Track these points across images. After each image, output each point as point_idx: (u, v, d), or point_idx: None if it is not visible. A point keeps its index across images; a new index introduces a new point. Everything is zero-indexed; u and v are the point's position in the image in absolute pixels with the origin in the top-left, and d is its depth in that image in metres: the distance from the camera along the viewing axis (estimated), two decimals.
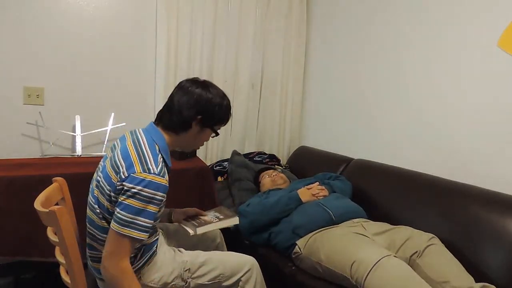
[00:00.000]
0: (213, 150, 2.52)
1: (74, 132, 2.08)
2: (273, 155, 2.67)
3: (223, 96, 1.20)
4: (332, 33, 2.50)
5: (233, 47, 2.48)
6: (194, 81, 1.18)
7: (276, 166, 2.52)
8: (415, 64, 1.87)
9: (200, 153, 2.38)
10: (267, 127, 2.74)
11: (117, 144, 1.14)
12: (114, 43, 2.19)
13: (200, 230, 1.31)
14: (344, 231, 1.46)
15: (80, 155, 2.03)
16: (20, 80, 1.97)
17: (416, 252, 1.31)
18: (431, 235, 1.40)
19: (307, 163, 2.46)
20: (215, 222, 1.35)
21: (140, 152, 1.04)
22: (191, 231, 1.31)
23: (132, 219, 0.98)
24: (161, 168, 1.03)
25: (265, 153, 2.65)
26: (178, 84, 1.20)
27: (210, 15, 2.35)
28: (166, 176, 1.06)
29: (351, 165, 2.12)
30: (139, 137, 1.11)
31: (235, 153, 2.39)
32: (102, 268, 1.02)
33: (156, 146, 1.09)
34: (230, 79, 2.51)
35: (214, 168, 2.41)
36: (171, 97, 1.18)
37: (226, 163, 2.42)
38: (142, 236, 1.00)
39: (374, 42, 2.13)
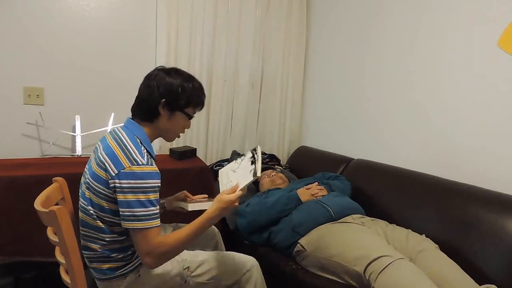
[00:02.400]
0: (213, 150, 2.52)
1: (74, 132, 2.08)
2: (273, 155, 2.67)
3: (189, 78, 1.18)
4: (332, 33, 2.50)
5: (233, 47, 2.48)
6: (160, 68, 1.20)
7: (276, 166, 2.52)
8: (415, 64, 1.86)
9: (200, 153, 2.39)
10: (267, 127, 2.74)
11: (99, 146, 1.15)
12: (114, 43, 2.19)
13: (192, 207, 1.31)
14: (354, 228, 1.46)
15: (80, 155, 2.03)
16: (20, 80, 1.97)
17: (408, 258, 1.31)
18: (423, 238, 1.40)
19: (307, 163, 2.46)
20: (207, 202, 1.33)
21: (123, 147, 1.06)
22: (186, 207, 1.31)
23: (141, 211, 1.01)
24: (147, 159, 1.06)
25: (265, 153, 2.65)
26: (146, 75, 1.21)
27: (210, 15, 2.35)
28: (154, 164, 1.09)
29: (351, 165, 2.12)
30: (119, 134, 1.12)
31: (235, 153, 2.39)
32: (148, 265, 1.05)
33: (137, 139, 1.11)
34: (230, 79, 2.51)
35: (214, 168, 2.41)
36: (139, 89, 1.19)
37: (226, 163, 2.41)
38: (157, 222, 1.04)
39: (374, 42, 2.13)
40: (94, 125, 2.13)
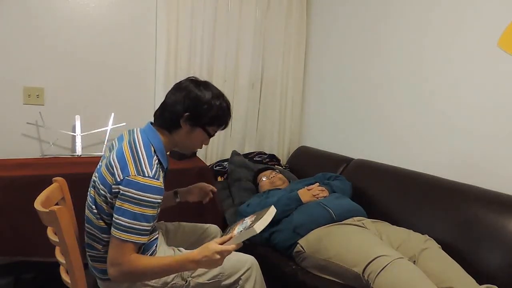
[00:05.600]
0: (213, 150, 2.52)
1: (74, 132, 2.08)
2: (273, 155, 2.67)
3: (218, 96, 1.14)
4: (332, 33, 2.50)
5: (233, 47, 2.48)
6: (192, 80, 1.16)
7: (276, 166, 2.52)
8: (414, 65, 1.86)
9: (200, 153, 2.38)
10: (267, 127, 2.74)
11: (115, 144, 1.14)
12: (114, 43, 2.19)
13: (259, 227, 1.03)
14: (352, 229, 1.46)
15: (80, 155, 2.03)
16: (20, 80, 1.97)
17: (411, 257, 1.31)
18: (426, 237, 1.40)
19: (307, 163, 2.46)
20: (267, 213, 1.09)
21: (135, 154, 1.03)
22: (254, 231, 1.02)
23: (131, 224, 0.99)
24: (156, 171, 1.03)
25: (265, 153, 2.65)
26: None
27: (210, 15, 2.35)
28: (161, 179, 1.05)
29: (351, 165, 2.12)
30: (136, 138, 1.10)
31: (235, 153, 2.39)
32: (110, 276, 1.01)
33: (152, 147, 1.08)
34: (230, 79, 2.51)
35: (214, 168, 2.41)
36: (166, 95, 1.17)
37: (226, 163, 2.42)
38: (143, 240, 1.02)
39: (374, 42, 2.13)
40: (94, 125, 2.13)
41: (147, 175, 0.99)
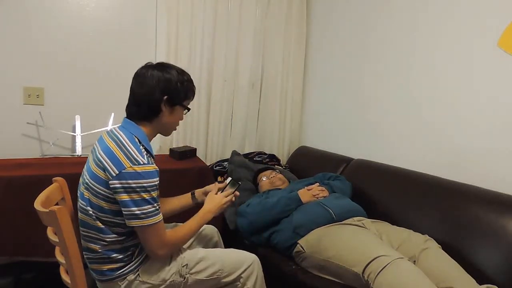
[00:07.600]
0: (213, 150, 2.53)
1: (74, 132, 2.08)
2: (273, 155, 2.67)
3: (182, 72, 1.21)
4: (332, 33, 2.50)
5: (233, 47, 2.48)
6: (149, 66, 1.20)
7: (276, 166, 2.52)
8: (416, 64, 1.86)
9: (200, 153, 2.39)
10: (267, 127, 2.74)
11: (97, 146, 1.15)
12: (114, 43, 2.19)
13: None
14: (352, 229, 1.46)
15: (80, 155, 2.03)
16: (20, 80, 1.97)
17: (411, 257, 1.31)
18: (426, 237, 1.40)
19: (307, 163, 2.46)
20: None
21: (123, 147, 1.07)
22: None
23: (147, 209, 1.04)
24: (147, 158, 1.08)
25: (265, 153, 2.65)
26: (134, 75, 1.20)
27: (210, 15, 2.36)
28: (154, 162, 1.11)
29: (351, 165, 2.12)
30: (117, 134, 1.12)
31: (235, 153, 2.39)
32: (160, 257, 1.14)
33: (136, 139, 1.11)
34: (230, 79, 2.51)
35: (214, 168, 2.41)
36: (132, 90, 1.18)
37: (226, 163, 2.42)
38: (160, 217, 1.09)
39: (374, 42, 2.13)
40: (94, 125, 2.13)
41: (142, 163, 1.05)
